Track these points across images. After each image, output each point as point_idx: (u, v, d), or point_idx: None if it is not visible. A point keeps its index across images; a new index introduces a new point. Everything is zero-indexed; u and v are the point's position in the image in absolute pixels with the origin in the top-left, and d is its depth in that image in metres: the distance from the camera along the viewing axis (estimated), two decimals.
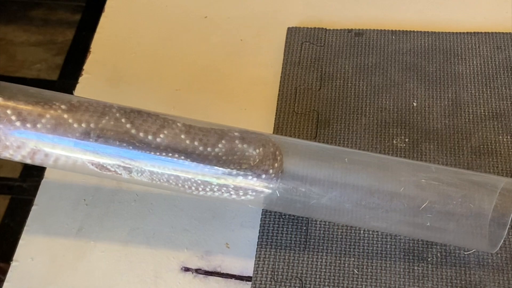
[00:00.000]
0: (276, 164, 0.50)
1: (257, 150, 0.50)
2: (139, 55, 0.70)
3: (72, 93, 0.66)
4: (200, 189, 0.51)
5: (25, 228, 0.57)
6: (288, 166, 0.51)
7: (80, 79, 0.67)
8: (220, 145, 0.50)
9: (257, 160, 0.50)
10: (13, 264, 0.55)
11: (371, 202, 0.50)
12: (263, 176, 0.50)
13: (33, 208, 0.58)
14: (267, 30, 0.71)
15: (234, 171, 0.49)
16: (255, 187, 0.50)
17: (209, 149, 0.49)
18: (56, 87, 1.63)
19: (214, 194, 0.51)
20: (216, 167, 0.49)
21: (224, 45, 0.70)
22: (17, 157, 0.51)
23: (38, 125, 0.49)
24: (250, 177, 0.50)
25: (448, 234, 0.51)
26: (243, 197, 0.51)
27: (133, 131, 0.49)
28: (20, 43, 1.76)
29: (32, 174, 1.47)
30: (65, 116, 0.49)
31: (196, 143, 0.49)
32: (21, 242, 0.56)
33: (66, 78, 1.68)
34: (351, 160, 0.52)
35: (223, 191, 0.51)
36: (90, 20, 1.81)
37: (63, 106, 0.50)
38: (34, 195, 1.46)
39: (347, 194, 0.50)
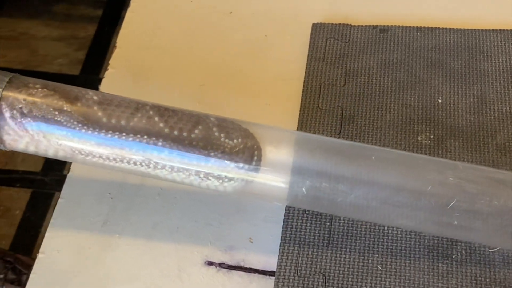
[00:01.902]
0: (255, 157, 0.50)
1: (236, 140, 0.50)
2: (164, 50, 0.70)
3: (97, 88, 0.66)
4: (177, 174, 0.51)
5: (51, 221, 0.57)
6: (314, 163, 0.51)
7: (106, 74, 0.68)
8: (196, 131, 0.49)
9: (236, 148, 0.49)
10: (40, 256, 0.56)
11: (397, 200, 0.50)
12: (241, 162, 0.49)
13: (59, 201, 0.59)
14: (292, 26, 0.71)
15: (212, 157, 0.49)
16: (233, 174, 0.50)
17: (185, 134, 0.49)
18: (78, 82, 1.63)
19: (191, 180, 0.51)
20: (193, 153, 0.49)
21: (249, 41, 0.70)
22: (41, 151, 0.51)
23: (63, 119, 0.49)
24: (228, 163, 0.49)
25: (475, 232, 0.51)
26: (225, 184, 0.51)
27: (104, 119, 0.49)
28: (42, 37, 1.77)
29: (54, 168, 1.48)
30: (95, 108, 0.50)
31: (169, 128, 0.49)
32: (47, 234, 0.57)
33: (88, 73, 1.68)
34: (378, 157, 0.51)
35: (200, 177, 0.50)
36: (112, 15, 1.82)
37: (95, 97, 0.50)
38: (55, 189, 1.48)
39: (374, 192, 0.50)
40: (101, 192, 0.59)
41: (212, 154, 0.49)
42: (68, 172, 0.61)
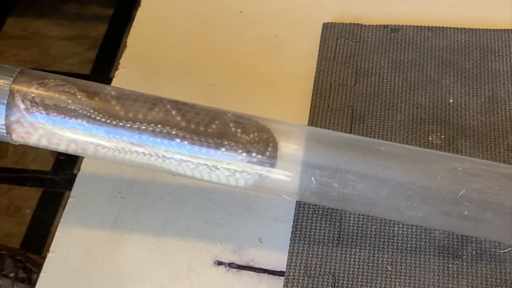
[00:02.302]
0: (269, 148, 0.50)
1: (252, 134, 0.50)
2: (174, 50, 0.70)
3: None
4: (186, 165, 0.51)
5: (62, 220, 0.58)
6: (324, 155, 0.50)
7: (116, 73, 0.68)
8: (213, 126, 0.49)
9: (251, 141, 0.49)
10: (50, 255, 0.56)
11: (407, 190, 0.50)
12: (257, 156, 0.50)
13: (69, 200, 0.59)
14: (302, 25, 0.71)
15: (225, 148, 0.49)
16: (248, 168, 0.50)
17: (201, 128, 0.49)
18: None
19: (207, 174, 0.51)
20: (209, 147, 0.49)
21: (259, 40, 0.70)
22: (52, 145, 0.51)
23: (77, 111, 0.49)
24: (243, 157, 0.50)
25: (485, 224, 0.50)
26: (237, 176, 0.51)
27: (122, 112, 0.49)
28: (53, 37, 1.77)
29: (64, 167, 1.49)
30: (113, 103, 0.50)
31: (186, 121, 0.49)
32: (57, 233, 0.57)
33: (98, 73, 1.69)
34: (387, 148, 0.51)
35: (217, 170, 0.50)
36: (122, 14, 1.82)
37: (113, 92, 0.50)
38: (66, 188, 1.48)
39: (383, 182, 0.50)
40: (111, 191, 0.59)
41: (226, 144, 0.49)
42: (79, 171, 0.61)
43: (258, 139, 0.50)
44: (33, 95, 0.49)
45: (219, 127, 0.50)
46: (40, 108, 0.49)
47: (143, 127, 0.49)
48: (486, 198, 0.49)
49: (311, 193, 0.52)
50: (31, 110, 0.49)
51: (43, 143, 0.51)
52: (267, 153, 0.50)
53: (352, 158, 0.51)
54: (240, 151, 0.49)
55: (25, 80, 0.50)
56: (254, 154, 0.50)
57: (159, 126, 0.49)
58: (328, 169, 0.50)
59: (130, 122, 0.49)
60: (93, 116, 0.49)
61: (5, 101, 0.49)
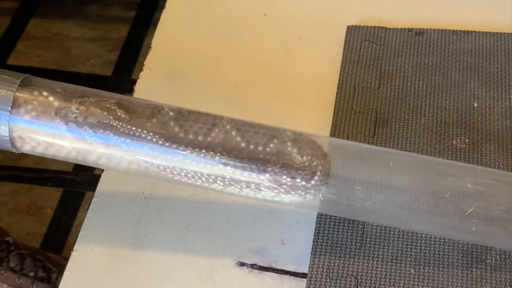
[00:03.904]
0: (315, 177, 0.49)
1: (305, 157, 0.50)
2: (198, 51, 0.70)
3: (130, 88, 0.67)
4: (241, 187, 0.51)
5: (86, 219, 0.58)
6: (332, 168, 0.51)
7: (141, 74, 0.68)
8: (271, 145, 0.50)
9: (305, 163, 0.49)
10: (74, 254, 0.56)
11: (415, 206, 0.50)
12: (301, 183, 0.49)
13: (93, 200, 0.59)
14: (326, 28, 0.71)
15: (279, 171, 0.49)
16: (298, 189, 0.50)
17: (260, 148, 0.49)
18: (110, 83, 1.65)
19: (257, 193, 0.51)
20: (253, 171, 0.49)
21: (283, 43, 0.70)
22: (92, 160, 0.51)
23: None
24: (294, 179, 0.49)
25: (494, 239, 0.50)
26: (283, 196, 0.51)
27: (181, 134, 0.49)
28: (75, 38, 1.79)
29: (85, 168, 1.49)
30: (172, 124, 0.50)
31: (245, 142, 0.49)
32: (81, 233, 0.57)
33: (120, 74, 1.70)
34: (396, 162, 0.51)
35: (266, 190, 0.50)
36: (144, 16, 1.83)
37: (171, 113, 0.50)
38: (86, 189, 1.48)
39: (391, 198, 0.50)
40: (134, 191, 0.60)
41: (270, 171, 0.49)
42: (100, 172, 0.61)
43: (307, 164, 0.49)
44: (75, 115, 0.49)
45: (277, 146, 0.49)
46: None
47: (204, 151, 0.49)
48: (494, 216, 0.49)
49: (318, 207, 0.53)
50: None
51: (103, 161, 0.51)
52: (312, 182, 0.49)
53: (360, 173, 0.51)
54: (284, 176, 0.49)
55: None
56: (298, 181, 0.49)
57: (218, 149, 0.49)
58: (335, 184, 0.50)
59: (190, 146, 0.49)
60: (154, 139, 0.49)
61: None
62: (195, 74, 0.68)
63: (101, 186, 0.60)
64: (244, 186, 0.50)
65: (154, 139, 0.49)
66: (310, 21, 0.72)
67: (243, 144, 0.49)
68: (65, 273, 0.55)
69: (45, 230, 1.43)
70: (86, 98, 0.49)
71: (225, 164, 0.49)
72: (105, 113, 0.49)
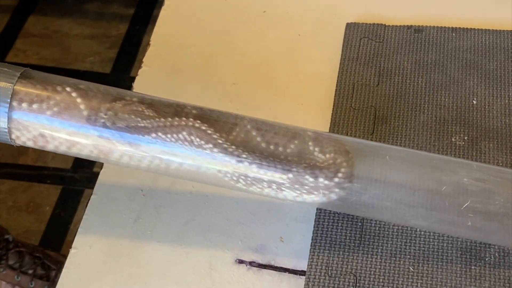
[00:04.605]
0: (345, 165, 0.49)
1: (328, 155, 0.50)
2: (197, 49, 0.70)
3: (130, 86, 0.67)
4: (263, 187, 0.51)
5: (84, 217, 0.58)
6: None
7: (140, 72, 0.68)
8: (292, 146, 0.49)
9: (329, 161, 0.49)
10: (72, 251, 0.56)
11: (412, 200, 0.50)
12: (324, 182, 0.49)
13: (92, 197, 0.59)
14: (325, 25, 0.71)
15: (302, 171, 0.49)
16: (323, 189, 0.50)
17: (280, 148, 0.49)
18: (109, 80, 1.65)
19: (278, 193, 0.51)
20: (277, 171, 0.49)
21: (282, 40, 0.70)
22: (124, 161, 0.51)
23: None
24: (317, 178, 0.49)
25: (491, 234, 0.50)
26: (305, 197, 0.51)
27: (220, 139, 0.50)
28: (74, 35, 1.78)
29: (84, 165, 1.50)
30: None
31: (265, 142, 0.49)
32: (80, 230, 0.57)
33: (119, 72, 1.70)
34: (392, 157, 0.51)
35: (288, 190, 0.50)
36: (143, 14, 1.83)
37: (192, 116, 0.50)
38: (85, 186, 1.48)
39: (388, 192, 0.50)
40: (133, 189, 0.59)
41: (294, 171, 0.49)
42: (99, 169, 0.61)
43: (331, 162, 0.49)
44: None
45: (298, 147, 0.49)
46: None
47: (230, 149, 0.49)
48: (490, 210, 0.49)
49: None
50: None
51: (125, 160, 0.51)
52: (336, 179, 0.49)
53: (357, 167, 0.50)
54: (307, 176, 0.49)
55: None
56: (321, 180, 0.49)
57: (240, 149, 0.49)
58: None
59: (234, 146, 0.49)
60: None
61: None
62: (194, 71, 0.68)
63: (99, 183, 0.60)
64: (266, 186, 0.50)
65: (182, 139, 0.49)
66: (309, 18, 0.72)
67: (263, 145, 0.49)
68: (64, 270, 0.55)
69: (44, 228, 1.43)
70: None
71: (250, 163, 0.49)
72: (133, 116, 0.49)
